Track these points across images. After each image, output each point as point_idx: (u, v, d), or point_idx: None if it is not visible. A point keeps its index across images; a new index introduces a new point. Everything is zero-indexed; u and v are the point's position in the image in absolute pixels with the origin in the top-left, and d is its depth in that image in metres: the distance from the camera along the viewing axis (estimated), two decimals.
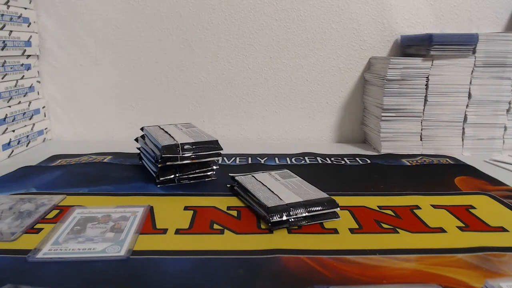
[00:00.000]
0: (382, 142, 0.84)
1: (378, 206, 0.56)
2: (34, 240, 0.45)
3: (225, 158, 0.77)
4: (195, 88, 0.94)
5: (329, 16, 0.91)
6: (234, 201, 0.57)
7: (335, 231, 0.49)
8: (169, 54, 0.92)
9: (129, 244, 0.44)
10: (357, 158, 0.79)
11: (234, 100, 0.95)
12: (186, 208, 0.54)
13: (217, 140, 0.64)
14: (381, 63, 0.86)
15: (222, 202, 0.56)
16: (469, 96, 0.82)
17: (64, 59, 0.92)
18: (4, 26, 0.77)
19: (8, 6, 0.79)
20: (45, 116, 0.93)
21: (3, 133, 0.78)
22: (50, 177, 0.66)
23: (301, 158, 0.78)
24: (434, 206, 0.56)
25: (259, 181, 0.58)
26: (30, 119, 0.86)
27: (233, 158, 0.77)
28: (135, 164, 0.72)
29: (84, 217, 0.50)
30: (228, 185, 0.62)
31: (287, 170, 0.64)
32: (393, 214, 0.53)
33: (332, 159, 0.78)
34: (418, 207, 0.56)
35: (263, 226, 0.50)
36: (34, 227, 0.48)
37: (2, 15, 0.77)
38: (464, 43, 0.79)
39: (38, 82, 0.91)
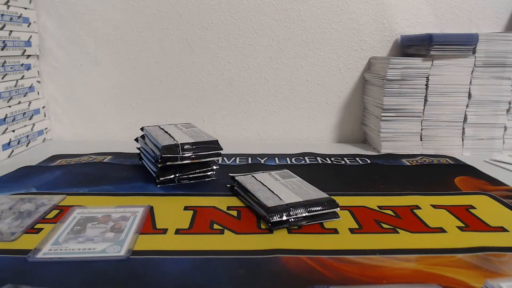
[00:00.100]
0: (382, 142, 0.84)
1: (378, 206, 0.56)
2: (34, 240, 0.45)
3: (225, 158, 0.77)
4: (195, 88, 0.94)
5: (329, 16, 0.91)
6: (234, 201, 0.57)
7: (335, 231, 0.49)
8: (169, 54, 0.92)
9: (129, 244, 0.44)
10: (357, 158, 0.79)
11: (234, 100, 0.95)
12: (186, 208, 0.54)
13: (217, 140, 0.64)
14: (381, 63, 0.86)
15: (222, 202, 0.56)
16: (469, 96, 0.82)
17: (64, 59, 0.92)
18: (4, 26, 0.77)
19: (8, 6, 0.79)
20: (45, 116, 0.93)
21: (3, 133, 0.78)
22: (50, 177, 0.66)
23: (301, 158, 0.78)
24: (434, 206, 0.56)
25: (259, 181, 0.58)
26: (30, 119, 0.86)
27: (233, 158, 0.77)
28: (135, 164, 0.72)
29: (84, 217, 0.50)
30: (228, 185, 0.62)
31: (287, 170, 0.64)
32: (393, 214, 0.53)
33: (332, 159, 0.78)
34: (418, 207, 0.56)
35: (263, 226, 0.50)
36: (34, 227, 0.48)
37: (2, 15, 0.77)
38: (464, 43, 0.79)
39: (38, 82, 0.91)
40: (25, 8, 0.84)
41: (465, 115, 0.83)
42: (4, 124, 0.78)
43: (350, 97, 0.95)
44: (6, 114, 0.78)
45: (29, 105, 0.86)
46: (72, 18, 0.90)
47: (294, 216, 0.49)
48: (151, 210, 0.53)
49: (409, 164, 0.76)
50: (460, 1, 0.90)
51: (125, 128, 0.96)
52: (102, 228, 0.47)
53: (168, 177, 0.62)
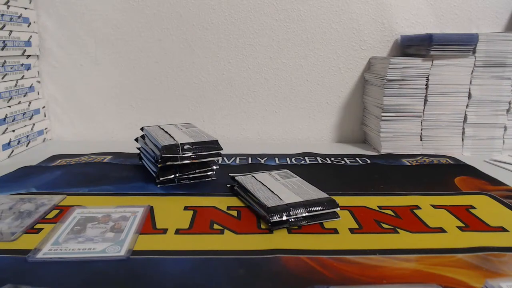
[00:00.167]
0: (382, 142, 0.84)
1: (378, 206, 0.56)
2: (34, 240, 0.45)
3: (225, 158, 0.77)
4: (195, 88, 0.94)
5: (329, 16, 0.91)
6: (234, 201, 0.57)
7: (335, 231, 0.49)
8: (169, 54, 0.92)
9: (129, 244, 0.44)
10: (357, 158, 0.79)
11: (234, 100, 0.95)
12: (186, 208, 0.54)
13: (217, 140, 0.64)
14: (381, 63, 0.86)
15: (222, 202, 0.56)
16: (469, 96, 0.82)
17: (64, 59, 0.92)
18: (4, 26, 0.77)
19: (8, 6, 0.79)
20: (45, 116, 0.93)
21: (3, 133, 0.78)
22: (50, 177, 0.66)
23: (301, 158, 0.78)
24: (434, 206, 0.56)
25: (259, 181, 0.58)
26: (30, 119, 0.86)
27: (233, 158, 0.77)
28: (135, 164, 0.72)
29: (84, 217, 0.50)
30: (228, 185, 0.62)
31: (287, 170, 0.64)
32: (393, 214, 0.53)
33: (332, 159, 0.78)
34: (418, 207, 0.56)
35: (263, 226, 0.50)
36: (34, 227, 0.48)
37: (2, 15, 0.77)
38: (464, 43, 0.79)
39: (38, 82, 0.91)
40: (25, 8, 0.84)
41: (465, 115, 0.83)
42: (4, 124, 0.78)
43: (350, 97, 0.95)
44: (6, 114, 0.78)
45: (29, 105, 0.86)
46: (72, 18, 0.90)
47: (294, 216, 0.49)
48: (151, 210, 0.53)
49: (409, 164, 0.76)
50: (460, 1, 0.90)
51: (125, 128, 0.96)
52: (102, 228, 0.47)
53: (168, 177, 0.62)
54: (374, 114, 0.88)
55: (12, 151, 0.80)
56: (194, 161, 0.62)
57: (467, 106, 0.83)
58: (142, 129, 0.70)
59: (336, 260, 0.42)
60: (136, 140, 0.72)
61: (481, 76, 0.81)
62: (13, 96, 0.81)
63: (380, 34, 0.92)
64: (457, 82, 0.81)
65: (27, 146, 0.85)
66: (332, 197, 0.53)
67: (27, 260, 0.41)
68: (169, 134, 0.65)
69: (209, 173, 0.65)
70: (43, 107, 0.92)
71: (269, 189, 0.55)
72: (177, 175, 0.63)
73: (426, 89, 0.81)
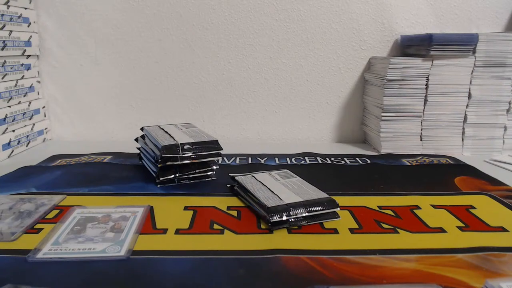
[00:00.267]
0: (382, 142, 0.84)
1: (378, 206, 0.56)
2: (34, 240, 0.45)
3: (225, 158, 0.77)
4: (195, 88, 0.94)
5: (329, 16, 0.91)
6: (234, 201, 0.57)
7: (335, 231, 0.49)
8: (169, 54, 0.92)
9: (129, 244, 0.44)
10: (357, 158, 0.79)
11: (234, 100, 0.95)
12: (186, 208, 0.54)
13: (217, 140, 0.64)
14: (381, 63, 0.86)
15: (222, 202, 0.56)
16: (469, 96, 0.82)
17: (64, 59, 0.92)
18: (4, 26, 0.77)
19: (8, 6, 0.79)
20: (45, 116, 0.93)
21: (3, 133, 0.78)
22: (50, 177, 0.66)
23: (301, 158, 0.78)
24: (434, 206, 0.56)
25: (259, 181, 0.58)
26: (30, 119, 0.86)
27: (233, 158, 0.77)
28: (135, 164, 0.72)
29: (84, 217, 0.50)
30: (228, 185, 0.62)
31: (287, 170, 0.64)
32: (393, 214, 0.53)
33: (332, 159, 0.78)
34: (418, 207, 0.56)
35: (263, 226, 0.50)
36: (34, 227, 0.48)
37: (2, 15, 0.77)
38: (464, 43, 0.79)
39: (38, 82, 0.91)
40: (25, 8, 0.84)
41: (465, 115, 0.83)
42: (4, 124, 0.78)
43: (350, 97, 0.95)
44: (6, 114, 0.78)
45: (29, 105, 0.86)
46: (72, 18, 0.90)
47: (294, 216, 0.49)
48: (151, 210, 0.53)
49: (409, 164, 0.76)
50: (460, 1, 0.90)
51: (125, 128, 0.96)
52: (102, 228, 0.47)
53: (168, 177, 0.62)
54: (374, 114, 0.88)
55: (12, 151, 0.80)
56: (194, 161, 0.62)
57: (467, 106, 0.83)
58: (142, 129, 0.70)
59: (336, 260, 0.42)
60: (136, 140, 0.72)
61: (481, 76, 0.81)
62: (13, 96, 0.81)
63: (380, 34, 0.92)
64: (457, 82, 0.81)
65: (27, 146, 0.85)
66: (332, 197, 0.53)
67: (27, 260, 0.41)
68: (169, 134, 0.65)
69: (209, 173, 0.65)
70: (43, 107, 0.92)
71: (269, 189, 0.55)
72: (177, 175, 0.63)
73: (426, 89, 0.81)
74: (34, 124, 0.88)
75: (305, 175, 0.61)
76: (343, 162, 0.77)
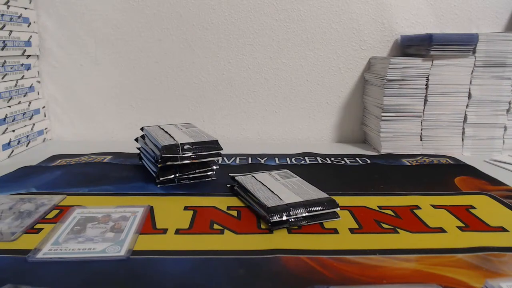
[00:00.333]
0: (382, 142, 0.84)
1: (378, 206, 0.56)
2: (34, 240, 0.45)
3: (225, 158, 0.77)
4: (195, 88, 0.94)
5: (329, 16, 0.91)
6: (234, 201, 0.57)
7: (335, 231, 0.49)
8: (169, 54, 0.92)
9: (129, 244, 0.44)
10: (357, 158, 0.79)
11: (234, 100, 0.95)
12: (186, 208, 0.54)
13: (217, 140, 0.64)
14: (381, 63, 0.86)
15: (222, 202, 0.56)
16: (469, 96, 0.82)
17: (64, 59, 0.92)
18: (4, 26, 0.77)
19: (8, 6, 0.79)
20: (45, 116, 0.93)
21: (3, 133, 0.78)
22: (50, 177, 0.66)
23: (301, 158, 0.78)
24: (434, 206, 0.56)
25: (259, 181, 0.58)
26: (30, 119, 0.86)
27: (233, 158, 0.77)
28: (135, 164, 0.72)
29: (84, 217, 0.50)
30: (228, 185, 0.62)
31: (287, 170, 0.64)
32: (393, 214, 0.53)
33: (332, 159, 0.78)
34: (418, 207, 0.56)
35: (263, 226, 0.50)
36: (34, 227, 0.48)
37: (2, 15, 0.77)
38: (464, 43, 0.79)
39: (38, 82, 0.91)
40: (25, 8, 0.84)
41: (465, 115, 0.83)
42: (4, 124, 0.78)
43: (350, 97, 0.95)
44: (6, 114, 0.78)
45: (29, 105, 0.86)
46: (72, 18, 0.90)
47: (294, 216, 0.49)
48: (151, 210, 0.53)
49: (409, 164, 0.76)
50: (460, 1, 0.90)
51: (125, 128, 0.96)
52: (102, 228, 0.47)
53: (168, 177, 0.62)
54: (374, 114, 0.88)
55: (12, 151, 0.80)
56: (194, 161, 0.62)
57: (467, 106, 0.83)
58: (142, 129, 0.70)
59: (336, 260, 0.42)
60: (136, 140, 0.72)
61: (481, 76, 0.81)
62: (13, 96, 0.81)
63: (380, 34, 0.92)
64: (457, 82, 0.81)
65: (27, 146, 0.85)
66: (332, 197, 0.53)
67: (27, 260, 0.41)
68: (169, 134, 0.65)
69: (209, 173, 0.65)
70: (43, 107, 0.92)
71: (269, 189, 0.55)
72: (177, 175, 0.63)
73: (426, 89, 0.81)
74: (34, 124, 0.88)
75: (305, 175, 0.61)
76: (343, 162, 0.77)
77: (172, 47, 0.92)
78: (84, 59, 0.92)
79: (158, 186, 0.62)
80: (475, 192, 0.61)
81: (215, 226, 0.49)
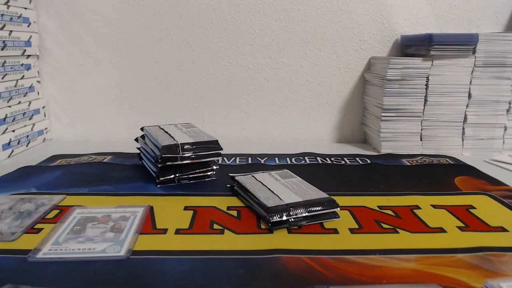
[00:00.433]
0: (382, 142, 0.84)
1: (378, 206, 0.56)
2: (34, 240, 0.45)
3: (225, 158, 0.77)
4: (195, 88, 0.94)
5: (329, 16, 0.91)
6: (234, 201, 0.57)
7: (335, 231, 0.49)
8: (169, 54, 0.92)
9: (129, 244, 0.44)
10: (357, 158, 0.79)
11: (234, 100, 0.95)
12: (186, 208, 0.54)
13: (217, 140, 0.64)
14: (381, 63, 0.86)
15: (222, 202, 0.56)
16: (469, 96, 0.82)
17: (64, 59, 0.92)
18: (4, 26, 0.77)
19: (8, 6, 0.79)
20: (45, 116, 0.93)
21: (3, 133, 0.78)
22: (50, 177, 0.66)
23: (301, 158, 0.78)
24: (434, 206, 0.56)
25: (259, 181, 0.58)
26: (30, 119, 0.86)
27: (233, 158, 0.77)
28: (135, 164, 0.72)
29: (84, 217, 0.50)
30: (228, 185, 0.62)
31: (287, 170, 0.64)
32: (393, 214, 0.53)
33: (332, 159, 0.78)
34: (418, 207, 0.56)
35: (263, 226, 0.50)
36: (34, 227, 0.48)
37: (2, 15, 0.77)
38: (464, 43, 0.79)
39: (38, 82, 0.91)
40: (25, 8, 0.84)
41: (465, 115, 0.83)
42: (4, 124, 0.78)
43: (350, 97, 0.95)
44: (6, 114, 0.78)
45: (29, 105, 0.86)
46: (72, 18, 0.90)
47: (294, 216, 0.49)
48: (151, 210, 0.53)
49: (409, 164, 0.76)
50: (460, 1, 0.90)
51: (125, 128, 0.96)
52: (102, 228, 0.47)
53: (168, 177, 0.62)
54: (374, 114, 0.88)
55: (12, 151, 0.80)
56: (194, 161, 0.62)
57: (467, 106, 0.83)
58: (142, 129, 0.70)
59: (336, 260, 0.42)
60: (136, 140, 0.72)
61: (481, 76, 0.81)
62: (13, 96, 0.81)
63: (380, 34, 0.92)
64: (457, 82, 0.81)
65: (27, 146, 0.85)
66: (332, 197, 0.53)
67: (27, 260, 0.41)
68: (169, 134, 0.65)
69: (209, 173, 0.65)
70: (43, 107, 0.92)
71: (269, 189, 0.55)
72: (177, 175, 0.63)
73: (426, 89, 0.81)
74: (34, 124, 0.88)
75: (305, 175, 0.61)
76: (343, 162, 0.77)
77: (172, 47, 0.92)
78: (84, 59, 0.92)
79: (158, 186, 0.62)
80: (475, 192, 0.61)
81: (215, 226, 0.49)
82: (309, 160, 0.77)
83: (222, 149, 0.64)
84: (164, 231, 0.48)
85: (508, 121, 0.83)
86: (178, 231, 0.48)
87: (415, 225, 0.50)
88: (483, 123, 0.83)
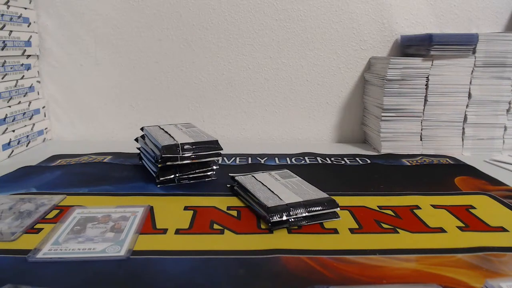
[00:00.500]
0: (382, 142, 0.84)
1: (378, 206, 0.56)
2: (34, 240, 0.45)
3: (225, 158, 0.77)
4: (195, 88, 0.94)
5: (329, 16, 0.91)
6: (234, 201, 0.57)
7: (335, 231, 0.49)
8: (169, 54, 0.92)
9: (129, 244, 0.44)
10: (357, 158, 0.79)
11: (234, 100, 0.95)
12: (186, 208, 0.54)
13: (217, 140, 0.64)
14: (381, 63, 0.86)
15: (222, 202, 0.56)
16: (469, 96, 0.82)
17: (64, 59, 0.92)
18: (4, 26, 0.77)
19: (8, 6, 0.79)
20: (45, 116, 0.93)
21: (3, 133, 0.78)
22: (50, 177, 0.66)
23: (301, 158, 0.78)
24: (434, 206, 0.56)
25: (259, 181, 0.58)
26: (30, 119, 0.86)
27: (233, 158, 0.77)
28: (135, 164, 0.72)
29: (84, 217, 0.50)
30: (228, 185, 0.62)
31: (287, 170, 0.64)
32: (393, 214, 0.53)
33: (332, 159, 0.78)
34: (418, 207, 0.56)
35: (263, 226, 0.50)
36: (34, 227, 0.48)
37: (2, 15, 0.77)
38: (464, 43, 0.79)
39: (38, 82, 0.91)
40: (25, 8, 0.84)
41: (465, 115, 0.83)
42: (4, 124, 0.78)
43: (350, 97, 0.95)
44: (6, 114, 0.78)
45: (29, 105, 0.86)
46: (72, 18, 0.90)
47: (294, 216, 0.49)
48: (151, 210, 0.53)
49: (409, 164, 0.76)
50: (460, 1, 0.90)
51: (125, 128, 0.96)
52: (102, 228, 0.47)
53: (168, 177, 0.62)
54: (374, 114, 0.88)
55: (12, 151, 0.80)
56: (194, 161, 0.62)
57: (467, 106, 0.83)
58: (142, 129, 0.70)
59: (336, 260, 0.42)
60: (136, 140, 0.72)
61: (481, 76, 0.81)
62: (13, 96, 0.81)
63: (380, 34, 0.92)
64: (457, 82, 0.81)
65: (27, 146, 0.85)
66: (332, 197, 0.53)
67: (27, 260, 0.41)
68: (169, 134, 0.65)
69: (209, 173, 0.65)
70: (43, 107, 0.92)
71: (269, 189, 0.55)
72: (177, 175, 0.63)
73: (426, 89, 0.81)
74: (34, 124, 0.88)
75: (305, 175, 0.61)
76: (343, 162, 0.77)
77: (172, 47, 0.92)
78: (84, 59, 0.92)
79: (158, 186, 0.62)
80: (475, 192, 0.61)
81: (215, 226, 0.49)
82: (309, 160, 0.77)
83: (222, 149, 0.64)
84: (164, 231, 0.48)
85: (508, 121, 0.83)
86: (178, 231, 0.48)
87: (415, 225, 0.50)
88: (483, 123, 0.83)
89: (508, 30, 0.92)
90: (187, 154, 0.61)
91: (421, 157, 0.81)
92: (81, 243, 0.44)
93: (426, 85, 0.81)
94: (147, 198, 0.58)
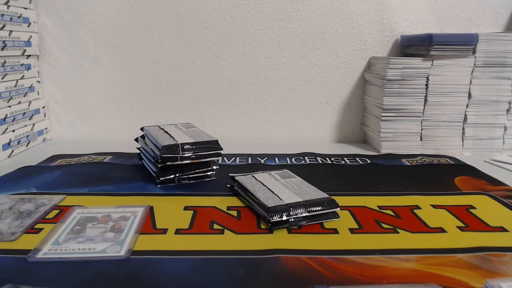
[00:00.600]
0: (382, 142, 0.84)
1: (378, 206, 0.56)
2: (34, 240, 0.45)
3: (225, 158, 0.77)
4: (195, 88, 0.94)
5: (329, 16, 0.91)
6: (234, 201, 0.57)
7: (335, 231, 0.49)
8: (169, 54, 0.92)
9: (129, 244, 0.44)
10: (357, 158, 0.79)
11: (234, 100, 0.95)
12: (186, 208, 0.54)
13: (217, 140, 0.64)
14: (381, 63, 0.86)
15: (222, 202, 0.56)
16: (469, 96, 0.82)
17: (64, 59, 0.92)
18: (4, 26, 0.77)
19: (8, 6, 0.79)
20: (45, 116, 0.93)
21: (3, 133, 0.78)
22: (50, 177, 0.66)
23: (301, 158, 0.78)
24: (434, 206, 0.56)
25: (259, 181, 0.58)
26: (30, 119, 0.86)
27: (233, 158, 0.77)
28: (135, 164, 0.73)
29: (84, 217, 0.50)
30: (228, 185, 0.62)
31: (287, 170, 0.64)
32: (393, 214, 0.53)
33: (332, 159, 0.78)
34: (418, 207, 0.56)
35: (263, 226, 0.50)
36: (34, 227, 0.48)
37: (2, 15, 0.77)
38: (464, 43, 0.79)
39: (38, 82, 0.91)
40: (25, 8, 0.84)
41: (465, 115, 0.83)
42: (4, 124, 0.78)
43: (350, 97, 0.95)
44: (6, 114, 0.78)
45: (29, 105, 0.86)
46: (72, 18, 0.90)
47: (294, 216, 0.49)
48: (151, 210, 0.53)
49: (409, 164, 0.76)
50: (460, 1, 0.90)
51: (125, 128, 0.96)
52: (102, 228, 0.47)
53: (168, 177, 0.62)
54: (374, 114, 0.88)
55: (12, 151, 0.80)
56: (194, 161, 0.62)
57: (467, 106, 0.83)
58: (142, 129, 0.70)
59: (336, 260, 0.42)
60: (136, 140, 0.72)
61: (481, 76, 0.81)
62: (13, 96, 0.81)
63: (380, 34, 0.92)
64: (457, 82, 0.81)
65: (27, 146, 0.85)
66: (332, 197, 0.53)
67: (27, 260, 0.41)
68: (169, 134, 0.65)
69: (209, 173, 0.65)
70: (43, 107, 0.92)
71: (269, 189, 0.55)
72: (177, 175, 0.63)
73: (426, 89, 0.81)
74: (34, 124, 0.88)
75: (305, 175, 0.61)
76: (343, 162, 0.77)
77: (172, 47, 0.92)
78: (84, 59, 0.92)
79: (158, 186, 0.62)
80: (475, 192, 0.61)
81: (215, 226, 0.49)
82: (309, 160, 0.77)
83: (222, 149, 0.64)
84: (164, 231, 0.48)
85: (508, 121, 0.83)
86: (178, 231, 0.48)
87: (415, 225, 0.50)
88: (483, 123, 0.83)
89: (508, 30, 0.92)
90: (187, 154, 0.61)
91: (421, 157, 0.81)
92: (81, 243, 0.44)
93: (426, 85, 0.81)
94: (147, 198, 0.58)
